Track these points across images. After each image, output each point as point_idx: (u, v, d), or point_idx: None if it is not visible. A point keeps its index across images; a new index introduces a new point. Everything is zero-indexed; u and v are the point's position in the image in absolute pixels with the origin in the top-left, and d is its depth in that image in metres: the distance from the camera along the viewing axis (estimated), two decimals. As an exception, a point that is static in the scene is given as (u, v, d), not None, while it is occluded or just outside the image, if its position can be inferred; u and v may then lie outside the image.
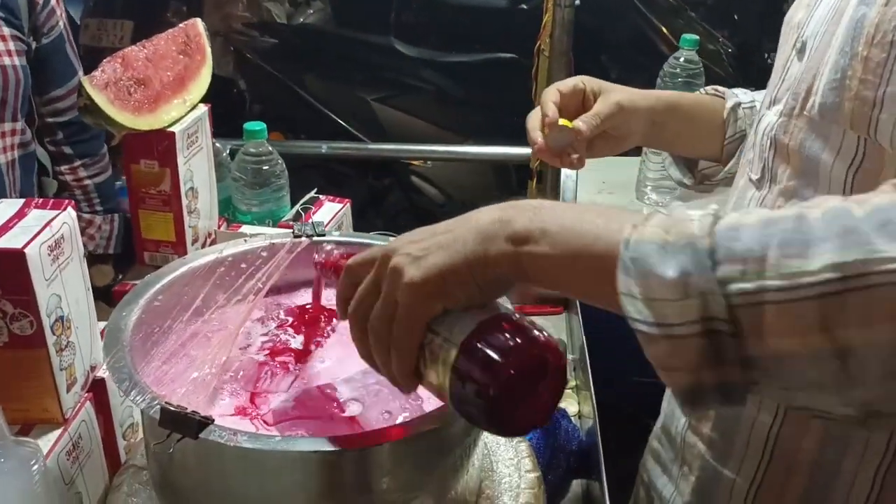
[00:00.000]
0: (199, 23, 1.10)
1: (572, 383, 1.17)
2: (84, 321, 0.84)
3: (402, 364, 0.60)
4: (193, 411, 0.65)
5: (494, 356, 0.56)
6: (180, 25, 1.07)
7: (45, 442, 0.77)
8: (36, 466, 0.63)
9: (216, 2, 2.78)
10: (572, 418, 1.07)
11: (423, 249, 0.59)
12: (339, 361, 0.82)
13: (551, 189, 1.26)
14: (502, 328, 0.58)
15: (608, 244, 0.52)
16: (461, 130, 2.75)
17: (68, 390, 0.81)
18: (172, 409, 0.65)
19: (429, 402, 0.77)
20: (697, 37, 1.46)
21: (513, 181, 2.86)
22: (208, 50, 1.11)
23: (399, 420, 0.73)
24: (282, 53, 2.80)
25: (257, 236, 0.93)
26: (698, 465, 0.83)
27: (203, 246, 1.11)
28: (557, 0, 1.14)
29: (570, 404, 1.12)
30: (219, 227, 1.16)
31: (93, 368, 0.86)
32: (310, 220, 0.95)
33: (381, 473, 0.69)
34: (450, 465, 0.75)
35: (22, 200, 0.81)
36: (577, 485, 1.00)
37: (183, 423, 0.64)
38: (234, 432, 0.65)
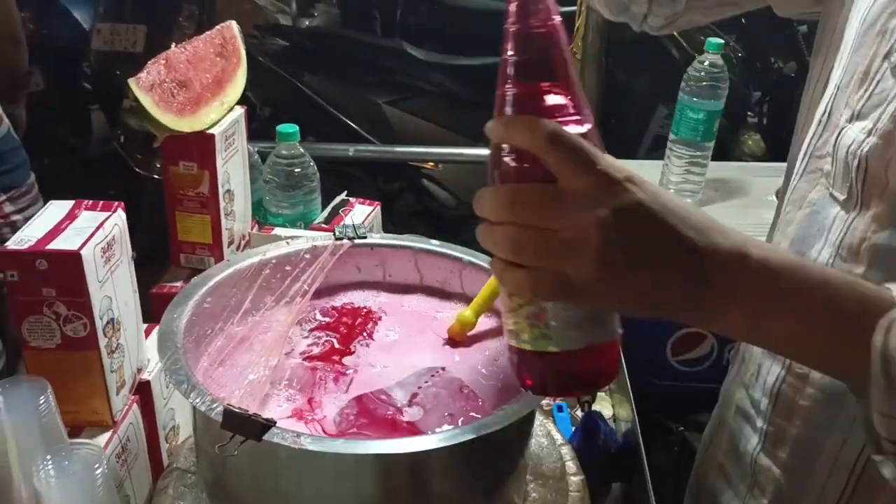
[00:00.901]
0: (234, 25, 1.10)
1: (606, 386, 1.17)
2: (132, 323, 0.84)
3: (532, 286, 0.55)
4: (256, 413, 0.65)
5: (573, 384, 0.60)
6: (217, 28, 1.07)
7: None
8: (99, 470, 0.62)
9: (227, 5, 2.78)
10: (608, 421, 1.07)
11: (651, 253, 0.54)
12: (392, 365, 0.82)
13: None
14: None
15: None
16: (471, 133, 2.75)
17: (118, 392, 0.81)
18: (236, 411, 0.65)
19: (490, 402, 0.77)
20: (722, 41, 1.46)
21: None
22: (243, 52, 1.11)
23: (460, 422, 0.73)
24: (291, 56, 2.80)
25: (299, 239, 0.93)
26: (772, 489, 0.80)
27: (238, 248, 1.11)
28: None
29: (604, 407, 1.13)
30: (251, 229, 1.16)
31: (139, 371, 0.86)
32: (351, 223, 0.95)
33: (443, 477, 0.69)
34: (504, 468, 0.75)
35: (71, 202, 0.81)
36: (615, 488, 1.01)
37: (246, 426, 0.64)
38: (298, 434, 0.65)
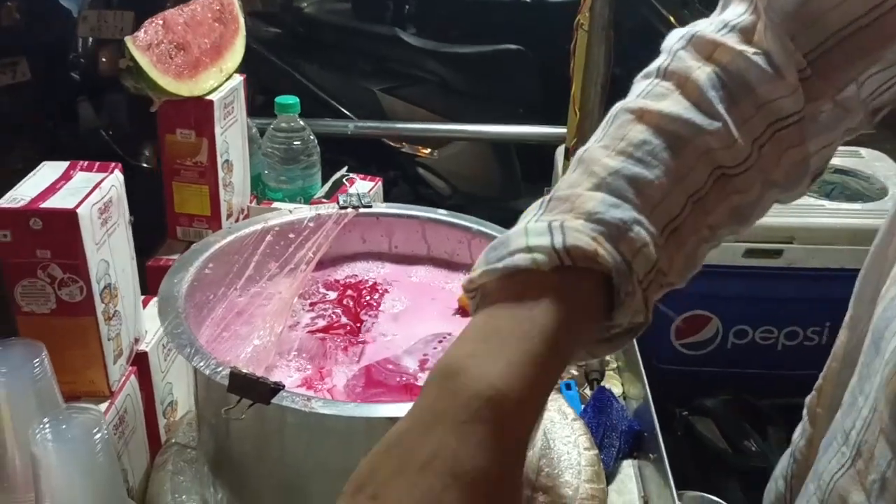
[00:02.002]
0: (232, -9, 1.07)
1: (613, 365, 1.15)
2: (129, 291, 0.80)
3: None
4: (263, 377, 0.62)
5: None
6: (214, -7, 1.04)
7: (93, 415, 0.73)
8: (99, 435, 0.59)
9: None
10: (618, 398, 1.04)
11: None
12: (401, 334, 0.79)
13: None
14: None
15: None
16: (465, 121, 2.73)
17: (115, 362, 0.77)
18: (244, 373, 0.61)
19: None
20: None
21: (517, 170, 2.84)
22: (241, 19, 1.08)
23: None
24: (284, 43, 2.76)
25: (301, 207, 0.90)
26: None
27: (237, 222, 1.07)
28: (599, -27, 1.11)
29: (614, 385, 1.10)
30: (250, 203, 1.13)
31: (136, 341, 0.82)
32: (356, 192, 0.92)
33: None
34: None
35: (66, 163, 0.77)
36: (627, 465, 0.98)
37: (254, 389, 0.61)
38: (308, 398, 0.62)
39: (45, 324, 0.73)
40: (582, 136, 1.21)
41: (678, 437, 1.59)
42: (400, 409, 0.63)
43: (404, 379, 0.71)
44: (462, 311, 0.83)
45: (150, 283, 0.94)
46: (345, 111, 2.61)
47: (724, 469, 1.52)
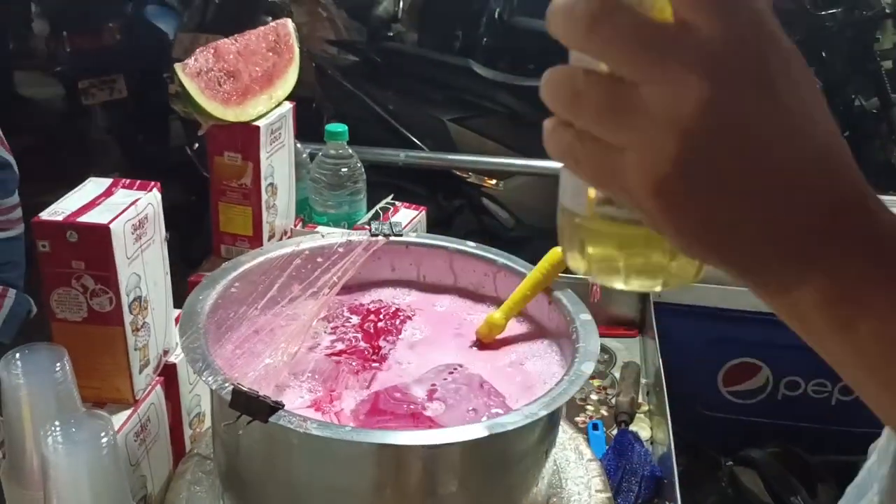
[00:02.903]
0: (289, 23, 1.11)
1: (645, 408, 1.13)
2: (161, 304, 0.84)
3: None
4: (265, 395, 0.64)
5: None
6: (272, 24, 1.08)
7: (115, 421, 0.77)
8: (105, 439, 0.62)
9: (304, 18, 2.84)
10: (645, 443, 1.02)
11: (758, 158, 0.36)
12: (416, 363, 0.80)
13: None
14: None
15: None
16: (533, 153, 2.74)
17: (141, 371, 0.81)
18: (245, 390, 0.64)
19: (512, 398, 0.75)
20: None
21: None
22: (296, 50, 1.12)
23: (484, 419, 0.70)
24: (362, 72, 2.83)
25: (334, 232, 0.93)
26: None
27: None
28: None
29: (642, 429, 1.08)
30: (295, 226, 1.16)
31: (165, 353, 0.86)
32: (388, 220, 0.94)
33: (452, 475, 0.66)
34: (520, 473, 0.72)
35: (110, 179, 0.82)
36: (647, 512, 0.96)
37: (254, 406, 0.63)
38: (304, 419, 0.63)
39: (77, 331, 0.77)
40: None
41: (722, 487, 1.54)
42: (399, 437, 0.64)
43: (411, 408, 0.72)
44: (480, 344, 0.84)
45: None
46: (414, 139, 2.66)
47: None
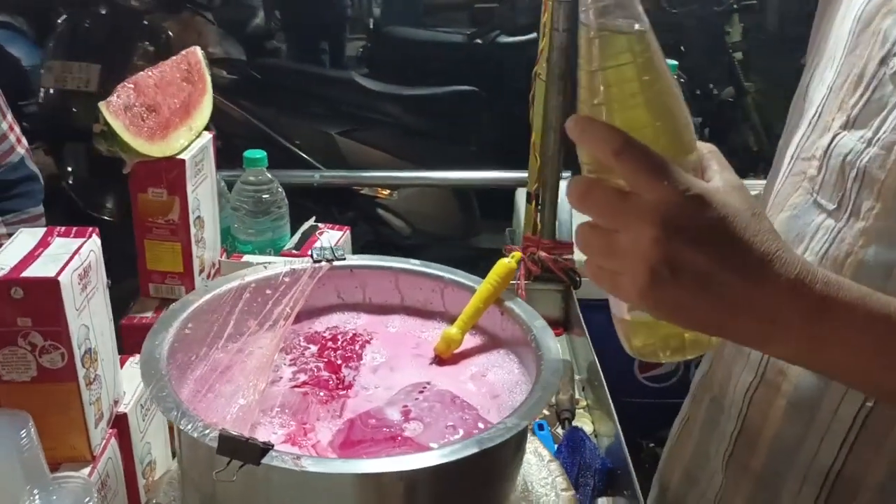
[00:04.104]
0: (198, 50, 1.09)
1: (583, 403, 1.17)
2: (108, 354, 0.81)
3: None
4: (252, 437, 0.63)
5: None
6: (182, 53, 1.06)
7: (75, 481, 0.73)
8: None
9: (181, 41, 2.74)
10: (590, 437, 1.06)
11: (703, 279, 0.54)
12: (382, 386, 0.80)
13: (549, 212, 1.27)
14: None
15: None
16: (425, 163, 2.77)
17: (96, 425, 0.77)
18: (232, 435, 0.62)
19: (484, 409, 0.76)
20: (676, 62, 1.50)
21: (475, 209, 2.88)
22: (208, 77, 1.09)
23: (461, 433, 0.72)
24: (242, 90, 2.78)
25: (275, 263, 0.91)
26: (743, 495, 0.80)
27: (209, 277, 1.08)
28: (554, 24, 1.16)
29: (585, 423, 1.12)
30: (220, 258, 1.14)
31: (115, 403, 0.83)
32: (329, 245, 0.94)
33: (454, 490, 0.68)
34: (504, 483, 0.74)
35: (43, 229, 0.78)
36: (602, 503, 1.00)
37: (244, 450, 0.62)
38: (297, 456, 0.63)
39: (26, 391, 0.73)
40: (543, 181, 1.25)
41: (646, 469, 1.62)
42: (386, 464, 0.65)
43: (389, 431, 0.73)
44: (439, 360, 0.85)
45: (124, 341, 0.95)
46: (304, 155, 2.63)
47: None
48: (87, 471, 0.76)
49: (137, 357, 0.91)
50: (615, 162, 0.54)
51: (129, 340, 0.90)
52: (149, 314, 1.00)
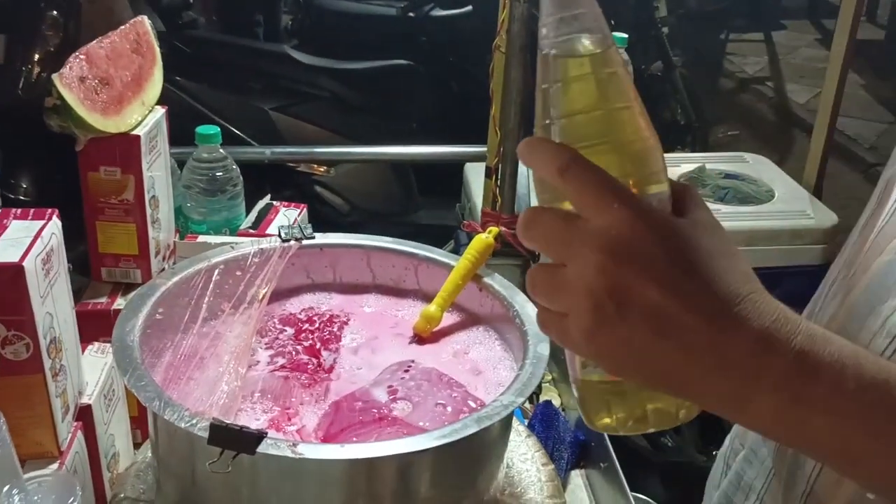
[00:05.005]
0: (146, 20, 1.03)
1: (548, 377, 1.18)
2: (72, 343, 0.76)
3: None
4: (245, 426, 0.60)
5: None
6: (129, 23, 1.00)
7: (43, 478, 0.69)
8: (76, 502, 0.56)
9: (93, 11, 2.61)
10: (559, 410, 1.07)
11: (658, 319, 0.45)
12: (365, 367, 0.78)
13: (509, 186, 1.26)
14: None
15: None
16: (361, 137, 2.72)
17: (63, 419, 0.73)
18: (225, 424, 0.60)
19: (471, 387, 0.75)
20: (625, 35, 1.51)
21: (413, 185, 2.85)
22: (157, 48, 1.04)
23: (449, 410, 0.70)
24: (168, 63, 2.66)
25: (242, 243, 0.88)
26: None
27: (164, 259, 1.03)
28: (514, -4, 1.14)
29: (552, 397, 1.13)
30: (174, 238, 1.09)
31: (79, 394, 0.78)
32: (297, 224, 0.90)
33: (445, 473, 0.66)
34: (494, 460, 0.74)
35: (-3, 211, 0.72)
36: (575, 475, 1.01)
37: (238, 439, 0.59)
38: (294, 443, 0.61)
39: (-13, 385, 0.68)
40: (503, 154, 1.24)
41: (619, 439, 1.65)
42: (381, 448, 0.63)
43: (376, 412, 0.71)
44: (419, 339, 0.84)
45: (80, 329, 0.90)
46: (237, 132, 2.55)
47: (645, 466, 1.59)
48: (54, 467, 0.71)
49: (96, 345, 0.87)
50: (560, 181, 0.47)
51: (85, 328, 0.85)
52: (103, 299, 0.95)
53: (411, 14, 3.10)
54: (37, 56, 2.45)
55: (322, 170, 2.67)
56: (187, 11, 3.20)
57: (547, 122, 0.51)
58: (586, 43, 0.50)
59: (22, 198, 2.51)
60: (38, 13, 2.55)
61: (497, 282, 0.86)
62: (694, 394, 0.48)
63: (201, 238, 1.08)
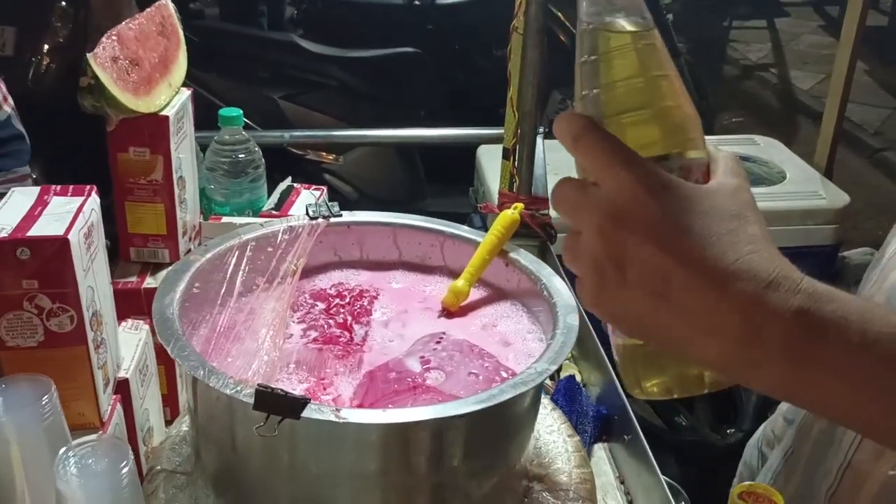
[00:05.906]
0: (169, 3, 1.04)
1: (569, 354, 1.19)
2: (110, 317, 0.78)
3: None
4: (290, 391, 0.62)
5: None
6: (154, 6, 1.01)
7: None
8: (126, 469, 0.57)
9: (103, 2, 2.61)
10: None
11: (656, 280, 0.46)
12: (397, 339, 0.80)
13: (526, 167, 1.28)
14: None
15: None
16: (367, 125, 2.74)
17: (104, 391, 0.75)
18: (271, 390, 0.61)
19: (502, 357, 0.77)
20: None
21: (420, 172, 2.87)
22: (181, 32, 1.05)
23: (481, 378, 0.72)
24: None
25: (272, 221, 0.89)
26: None
27: (191, 240, 1.05)
28: (532, -23, 1.15)
29: (572, 373, 1.14)
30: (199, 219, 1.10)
31: (118, 367, 0.80)
32: (324, 202, 0.92)
33: (488, 437, 0.68)
34: (528, 427, 0.75)
35: (37, 188, 0.74)
36: (598, 449, 1.02)
37: (283, 404, 0.61)
38: (337, 409, 0.62)
39: (33, 357, 0.69)
40: (521, 136, 1.25)
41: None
42: (423, 413, 0.65)
43: (410, 381, 0.73)
44: (448, 313, 0.85)
45: (112, 307, 0.91)
46: (247, 121, 2.56)
47: (659, 445, 1.60)
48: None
49: (130, 321, 0.88)
50: (573, 150, 0.49)
51: (117, 306, 0.86)
52: (133, 279, 0.96)
53: (417, 2, 3.11)
54: (46, 47, 2.45)
55: (331, 157, 2.69)
56: (194, 2, 3.21)
57: (585, 93, 0.53)
58: (626, 16, 0.53)
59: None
60: (48, 4, 2.56)
61: (523, 257, 0.87)
62: (700, 356, 0.48)
63: (225, 220, 1.10)
